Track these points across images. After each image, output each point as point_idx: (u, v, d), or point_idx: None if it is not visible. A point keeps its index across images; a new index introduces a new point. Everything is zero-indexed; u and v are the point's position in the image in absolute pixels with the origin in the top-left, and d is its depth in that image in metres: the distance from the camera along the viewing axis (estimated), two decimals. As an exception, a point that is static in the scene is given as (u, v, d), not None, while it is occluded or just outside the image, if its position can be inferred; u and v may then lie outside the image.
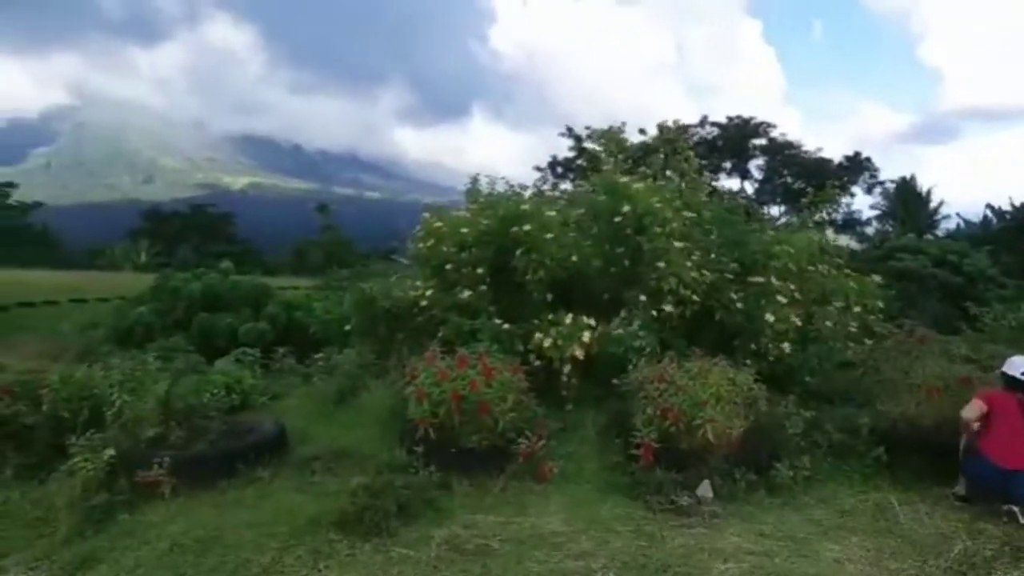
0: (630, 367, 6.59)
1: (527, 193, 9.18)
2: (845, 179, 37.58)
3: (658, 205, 7.41)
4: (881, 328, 9.66)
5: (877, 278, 9.40)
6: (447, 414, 5.31)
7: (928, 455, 5.18)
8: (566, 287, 7.65)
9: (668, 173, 9.61)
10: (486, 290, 7.88)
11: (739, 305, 7.54)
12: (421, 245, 8.51)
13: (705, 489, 4.89)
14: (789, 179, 40.11)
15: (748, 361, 7.33)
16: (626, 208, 7.38)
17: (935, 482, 5.09)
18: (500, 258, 8.06)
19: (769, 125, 40.47)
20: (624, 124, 9.93)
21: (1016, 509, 4.45)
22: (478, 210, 9.00)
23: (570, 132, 39.21)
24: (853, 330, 8.35)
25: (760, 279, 7.77)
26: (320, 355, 10.56)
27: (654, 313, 7.19)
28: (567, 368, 6.76)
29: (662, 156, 10.27)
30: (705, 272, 7.47)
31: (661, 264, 7.26)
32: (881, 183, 41.52)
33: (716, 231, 8.35)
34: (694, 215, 8.06)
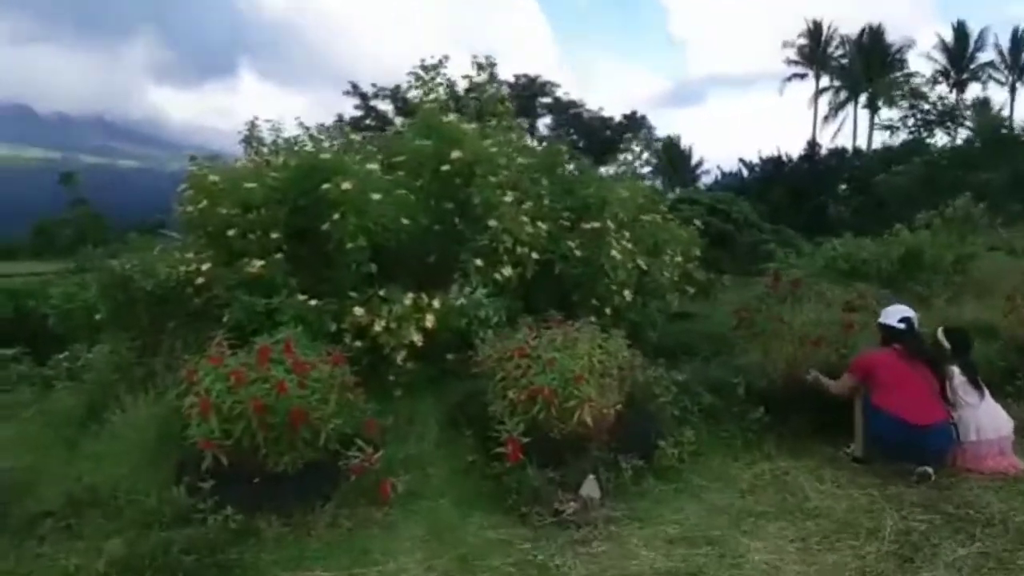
0: (476, 342, 5.53)
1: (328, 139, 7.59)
2: (628, 136, 39.28)
3: (493, 150, 6.31)
4: (701, 276, 9.57)
5: (698, 223, 9.19)
6: (246, 431, 3.86)
7: (809, 413, 4.70)
8: (389, 254, 6.33)
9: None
10: (282, 259, 6.33)
11: (577, 253, 6.75)
12: (191, 207, 6.69)
13: (591, 488, 3.96)
14: (575, 137, 41.09)
15: (593, 318, 6.60)
16: (456, 154, 6.19)
17: (822, 442, 4.61)
18: (297, 220, 6.53)
19: (553, 84, 41.11)
20: (445, 58, 8.61)
21: (930, 470, 4.06)
22: (263, 162, 7.34)
23: (355, 90, 36.84)
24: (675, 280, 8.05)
25: (596, 224, 7.03)
26: (65, 354, 8.29)
27: (496, 278, 6.14)
28: (402, 355, 5.51)
29: (474, 100, 9.20)
30: (540, 224, 6.54)
31: (493, 222, 6.20)
32: (659, 140, 44.14)
33: (545, 178, 7.45)
34: (529, 161, 7.09)
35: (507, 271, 6.18)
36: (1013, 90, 51.52)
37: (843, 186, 46.29)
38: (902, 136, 44.71)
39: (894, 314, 4.50)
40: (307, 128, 7.28)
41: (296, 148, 7.17)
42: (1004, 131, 28.31)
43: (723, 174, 51.49)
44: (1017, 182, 13.83)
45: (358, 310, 5.80)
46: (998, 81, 52.13)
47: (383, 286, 5.99)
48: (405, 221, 6.14)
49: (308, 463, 3.99)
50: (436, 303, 5.62)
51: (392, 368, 5.74)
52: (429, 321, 5.51)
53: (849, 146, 51.16)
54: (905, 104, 46.46)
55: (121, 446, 4.45)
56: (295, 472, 3.94)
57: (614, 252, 6.74)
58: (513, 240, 6.19)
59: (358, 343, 5.88)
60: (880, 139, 49.68)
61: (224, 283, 6.13)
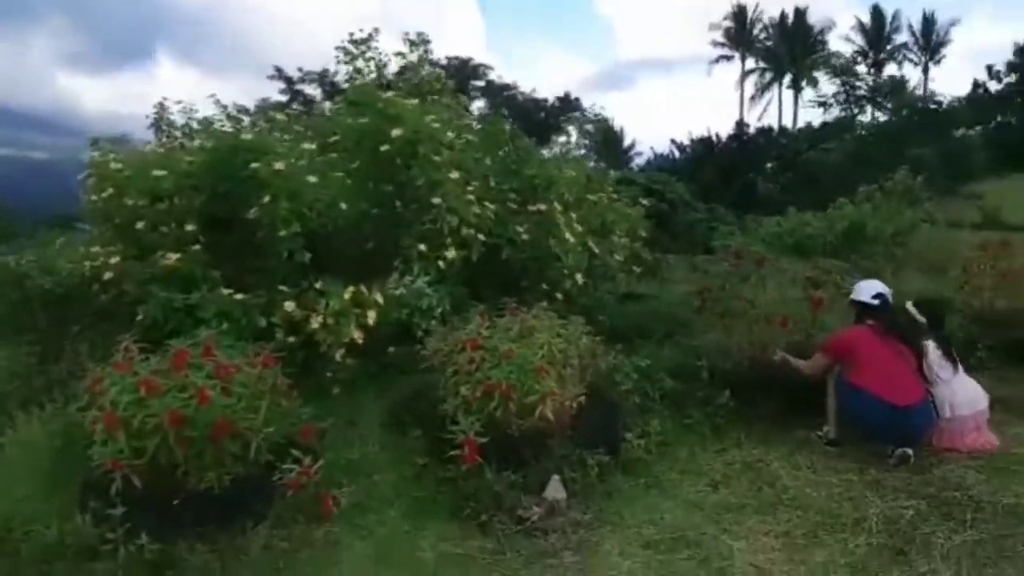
0: (418, 333, 5.11)
1: (249, 119, 6.95)
2: (562, 118, 39.13)
3: (436, 126, 5.85)
4: (646, 256, 9.37)
5: (645, 202, 8.97)
6: (162, 447, 3.35)
7: (777, 395, 4.48)
8: (324, 241, 5.82)
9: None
10: (200, 251, 5.75)
11: (525, 237, 6.38)
12: (95, 197, 6.01)
13: (556, 489, 3.61)
14: (510, 120, 40.68)
15: (544, 304, 6.28)
16: (397, 132, 5.71)
17: (792, 426, 4.39)
18: (217, 207, 5.95)
19: (486, 67, 40.58)
20: (376, 31, 8.04)
21: (910, 451, 3.87)
22: (175, 147, 6.72)
23: (280, 74, 35.48)
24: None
25: (543, 207, 6.67)
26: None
27: (440, 264, 5.71)
28: (340, 353, 5.04)
29: (408, 79, 8.70)
30: (487, 204, 6.14)
31: (437, 200, 5.76)
32: (592, 122, 44.16)
33: (487, 156, 7.05)
34: (471, 138, 6.67)
35: (451, 254, 5.77)
36: (926, 70, 53.69)
37: (771, 164, 47.51)
38: (834, 112, 46.10)
39: (867, 290, 4.30)
40: (224, 107, 6.63)
41: (212, 130, 6.51)
42: (933, 107, 29.28)
43: (655, 156, 52.20)
44: (945, 156, 14.20)
45: (289, 304, 5.31)
46: (912, 61, 54.25)
47: (318, 277, 5.49)
48: (343, 206, 5.64)
49: (236, 479, 3.51)
50: (378, 297, 5.16)
51: (329, 364, 5.28)
52: (371, 317, 5.05)
53: (776, 126, 52.47)
54: (837, 82, 47.91)
55: (16, 469, 3.85)
56: (221, 490, 3.45)
57: (567, 235, 6.41)
58: (458, 220, 5.78)
59: (291, 339, 5.40)
60: (806, 118, 51.19)
61: (136, 278, 5.53)
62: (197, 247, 5.72)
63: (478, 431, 3.66)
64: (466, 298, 6.24)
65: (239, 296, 5.42)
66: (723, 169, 45.24)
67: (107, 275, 5.57)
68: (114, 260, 5.64)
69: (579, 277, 6.60)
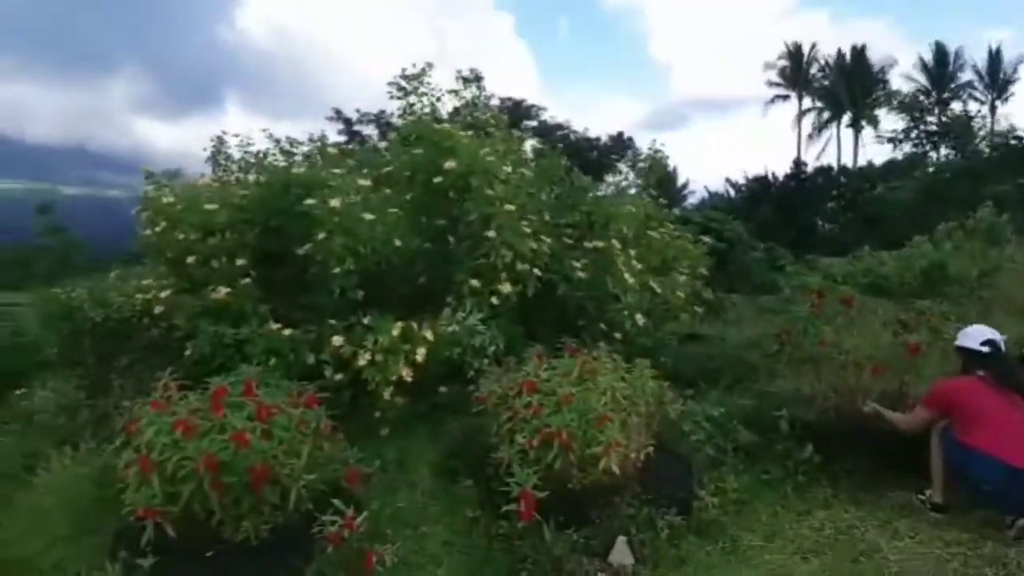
0: (470, 372, 4.84)
1: (302, 153, 6.87)
2: (614, 157, 38.96)
3: (490, 159, 5.66)
4: (708, 295, 8.94)
5: (707, 239, 8.59)
6: (197, 494, 3.12)
7: (866, 450, 4.01)
8: (375, 277, 5.64)
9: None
10: (251, 285, 5.62)
11: (581, 274, 6.07)
12: (148, 231, 5.97)
13: (623, 553, 3.24)
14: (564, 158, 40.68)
15: (602, 343, 5.97)
16: (450, 164, 5.53)
17: (886, 486, 3.92)
18: (269, 242, 5.85)
19: (539, 107, 40.82)
20: (429, 65, 7.95)
21: (1032, 522, 3.37)
22: (228, 181, 6.69)
23: (339, 115, 36.31)
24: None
25: (600, 243, 6.37)
26: (22, 391, 7.46)
27: (493, 300, 5.45)
28: (389, 391, 4.80)
29: (464, 114, 8.59)
30: (544, 238, 5.88)
31: (491, 233, 5.53)
32: (645, 160, 43.80)
33: (544, 191, 6.81)
34: (527, 172, 6.46)
35: (505, 289, 5.50)
36: (993, 108, 51.85)
37: (831, 203, 46.27)
38: (905, 148, 44.78)
39: (975, 336, 3.81)
40: (277, 141, 6.56)
41: (266, 163, 6.45)
42: (1014, 142, 27.57)
43: (709, 195, 51.41)
44: (1027, 192, 13.47)
45: (338, 340, 5.11)
46: (977, 99, 52.50)
47: (367, 312, 5.29)
48: (397, 243, 5.45)
49: (275, 530, 3.26)
50: (428, 333, 4.91)
51: (377, 403, 5.04)
52: (420, 354, 4.80)
53: (835, 164, 51.30)
54: (905, 118, 46.62)
55: (47, 512, 3.68)
56: (258, 542, 3.20)
57: (626, 275, 6.09)
58: (513, 255, 5.51)
59: (339, 376, 5.19)
60: (869, 155, 49.90)
61: (186, 312, 5.42)
62: (248, 281, 5.60)
63: (535, 484, 3.33)
64: (520, 337, 5.96)
65: (288, 332, 5.25)
66: (780, 208, 44.23)
67: (157, 309, 5.49)
68: (165, 294, 5.56)
69: (639, 317, 6.25)
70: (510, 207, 5.60)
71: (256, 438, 3.24)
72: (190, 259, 5.59)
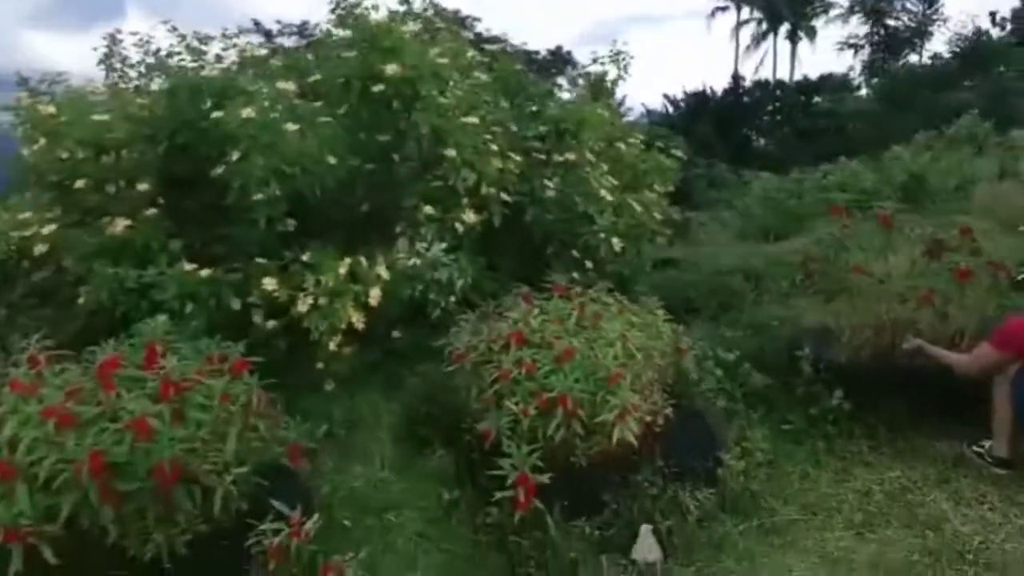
0: (435, 313, 4.08)
1: (212, 52, 5.67)
2: (554, 72, 37.51)
3: (441, 60, 4.71)
4: (675, 214, 8.32)
5: (679, 153, 7.85)
6: (84, 507, 2.30)
7: (906, 395, 3.44)
8: (309, 204, 4.72)
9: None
10: (158, 216, 4.64)
11: (551, 194, 5.28)
12: (25, 150, 4.86)
13: (648, 546, 2.59)
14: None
15: (576, 274, 5.26)
16: (392, 68, 4.56)
17: (929, 433, 3.38)
18: (177, 163, 4.83)
19: (474, 18, 38.62)
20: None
21: None
22: (124, 88, 5.54)
23: (258, 27, 33.43)
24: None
25: (572, 156, 5.57)
26: None
27: (457, 228, 4.63)
28: (336, 341, 4.00)
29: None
30: (513, 156, 5.03)
31: (450, 152, 4.64)
32: (586, 75, 42.42)
33: (504, 97, 5.89)
34: (483, 77, 5.53)
35: (469, 217, 4.67)
36: (923, 26, 51.83)
37: (767, 118, 46.17)
38: (865, 54, 44.21)
39: None
40: (183, 37, 5.37)
41: (167, 65, 5.33)
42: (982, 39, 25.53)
43: (647, 112, 50.49)
44: (996, 99, 13.00)
45: (269, 281, 4.23)
46: (910, 13, 52.29)
47: (303, 247, 4.41)
48: (331, 161, 4.52)
49: (197, 544, 2.47)
50: (382, 270, 4.08)
51: (321, 353, 4.24)
52: (374, 296, 3.99)
53: (772, 78, 50.95)
54: (863, 20, 45.76)
55: None
56: (174, 562, 2.42)
57: (603, 192, 5.33)
58: (476, 176, 4.67)
59: (272, 323, 4.35)
60: (826, 64, 49.51)
61: (78, 251, 4.42)
62: (153, 211, 4.62)
63: (534, 464, 2.63)
64: (482, 270, 5.19)
65: (206, 273, 4.34)
66: (718, 124, 43.83)
67: (40, 248, 4.45)
68: (49, 229, 4.52)
69: (616, 241, 5.53)
70: (471, 119, 4.70)
71: (164, 425, 2.41)
72: (79, 183, 4.54)
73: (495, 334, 3.04)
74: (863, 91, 37.67)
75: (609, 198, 5.45)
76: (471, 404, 3.05)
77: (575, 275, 5.19)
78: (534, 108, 5.83)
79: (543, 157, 5.42)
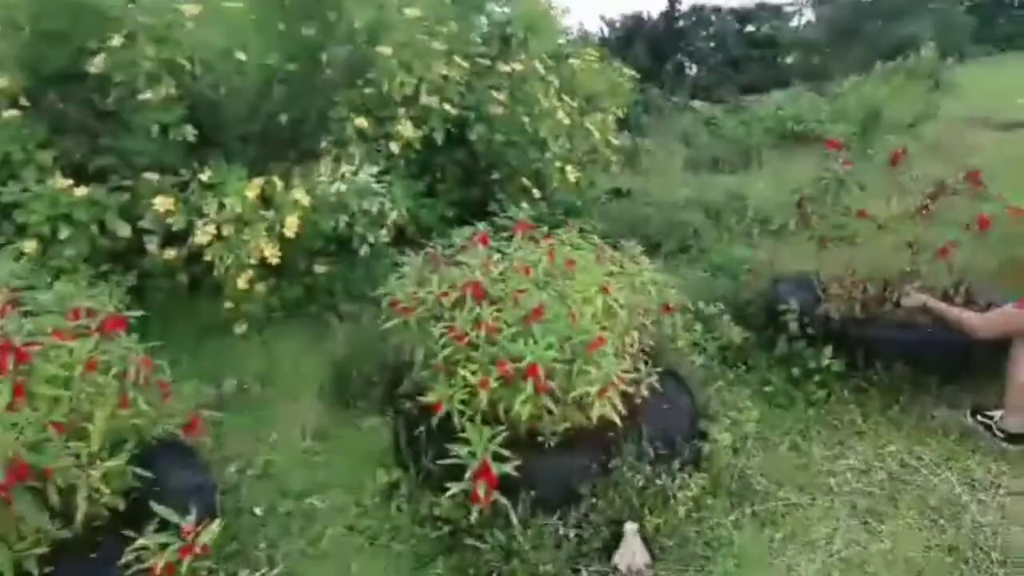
0: (362, 248, 3.48)
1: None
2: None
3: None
4: (624, 140, 7.81)
5: (632, 73, 7.27)
6: None
7: (901, 356, 3.07)
8: (214, 110, 3.93)
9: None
10: (24, 119, 3.77)
11: (498, 110, 4.63)
12: None
13: (634, 550, 2.14)
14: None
15: (524, 204, 4.70)
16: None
17: (924, 398, 3.04)
18: (46, 53, 3.93)
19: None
20: None
21: None
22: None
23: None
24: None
25: (519, 66, 4.89)
26: None
27: (392, 147, 3.95)
28: (246, 277, 3.35)
29: None
30: (458, 61, 4.33)
31: (385, 50, 3.90)
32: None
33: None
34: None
35: (407, 130, 3.99)
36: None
37: (702, 44, 45.68)
38: None
39: None
40: None
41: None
42: None
43: (586, 34, 49.13)
44: (945, 32, 12.73)
45: (161, 200, 3.51)
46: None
47: (205, 163, 3.66)
48: (241, 57, 3.73)
49: (55, 558, 1.87)
50: (300, 194, 3.40)
51: (229, 290, 3.59)
52: (290, 226, 3.32)
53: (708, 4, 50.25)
54: None
55: None
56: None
57: (560, 113, 4.73)
58: (416, 82, 3.97)
59: (169, 253, 3.66)
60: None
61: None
62: (15, 113, 3.75)
63: (496, 452, 2.12)
64: (419, 196, 4.56)
65: (83, 191, 3.55)
66: (653, 49, 43.15)
67: None
68: None
69: (570, 169, 4.97)
70: (412, 11, 3.95)
71: (-2, 408, 1.77)
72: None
73: (446, 284, 2.45)
74: (802, 19, 37.42)
75: (566, 121, 4.84)
76: (415, 369, 2.49)
77: (524, 205, 4.65)
78: (475, 3, 5.08)
79: (487, 64, 4.72)
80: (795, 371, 3.17)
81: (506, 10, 5.25)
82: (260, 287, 3.71)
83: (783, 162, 6.98)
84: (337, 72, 4.18)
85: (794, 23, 23.68)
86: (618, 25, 53.08)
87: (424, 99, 4.04)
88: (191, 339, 3.77)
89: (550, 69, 5.32)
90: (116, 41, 3.51)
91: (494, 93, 4.57)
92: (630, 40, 50.88)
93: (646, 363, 2.57)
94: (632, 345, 2.49)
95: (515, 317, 2.31)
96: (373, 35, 3.94)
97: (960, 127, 7.58)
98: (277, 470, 2.65)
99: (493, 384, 2.21)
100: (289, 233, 3.44)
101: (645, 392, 2.45)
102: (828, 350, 3.09)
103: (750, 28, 49.53)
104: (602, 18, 53.69)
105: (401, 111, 4.04)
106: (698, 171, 7.58)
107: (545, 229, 2.83)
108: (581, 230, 2.92)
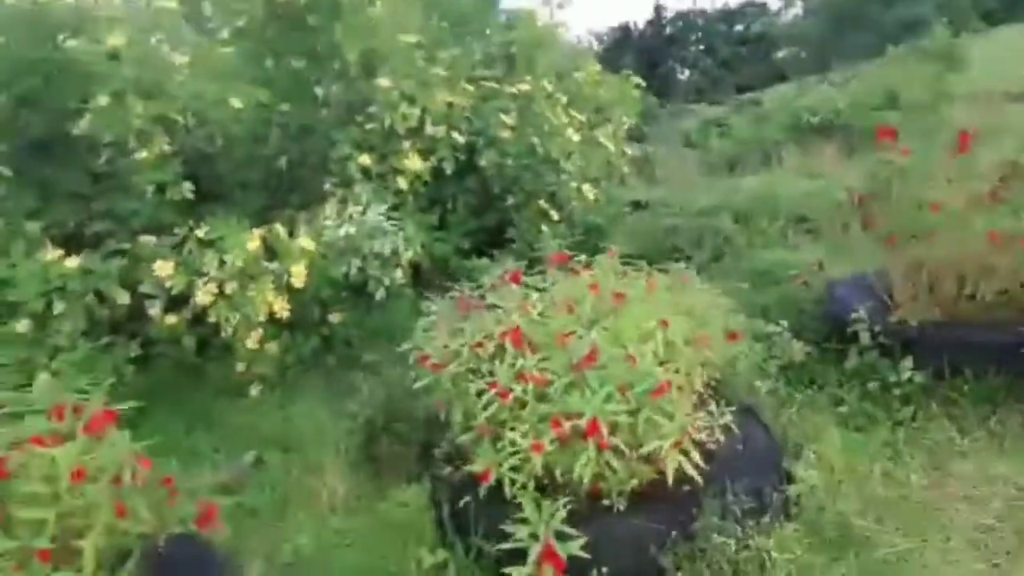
0: (378, 292, 3.20)
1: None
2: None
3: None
4: (634, 151, 7.53)
5: (638, 81, 6.99)
6: None
7: (1002, 361, 2.72)
8: (208, 160, 3.70)
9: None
10: (9, 188, 3.56)
11: (506, 134, 4.36)
12: None
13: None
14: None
15: (544, 227, 4.45)
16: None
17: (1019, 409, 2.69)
18: (27, 118, 3.73)
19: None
20: None
21: None
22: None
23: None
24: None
25: (526, 86, 4.64)
26: None
27: (399, 183, 3.69)
28: (256, 336, 3.08)
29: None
30: (465, 86, 4.07)
31: (383, 81, 3.64)
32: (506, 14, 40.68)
33: (437, 15, 4.87)
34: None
35: (415, 164, 3.72)
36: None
37: (692, 49, 45.68)
38: None
39: None
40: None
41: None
42: None
43: (571, 49, 49.18)
44: (949, 10, 12.51)
45: (162, 265, 3.25)
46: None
47: (203, 217, 3.41)
48: (236, 104, 3.48)
49: None
50: (305, 241, 3.13)
51: (239, 351, 3.33)
52: (297, 275, 3.05)
53: (695, 8, 50.34)
54: None
55: None
56: None
57: (569, 130, 4.46)
58: (420, 112, 3.70)
59: (172, 318, 3.41)
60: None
61: None
62: (-1, 177, 3.55)
63: (558, 529, 1.80)
64: (432, 230, 4.29)
65: (75, 261, 3.31)
66: (642, 57, 43.10)
67: None
68: None
69: (588, 187, 4.69)
70: (407, 38, 3.70)
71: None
72: None
73: (481, 333, 2.15)
74: (789, 13, 37.31)
75: (576, 138, 4.57)
76: (454, 431, 2.18)
77: (544, 228, 4.38)
78: (474, 26, 4.85)
79: (495, 87, 4.46)
80: (871, 386, 2.84)
81: (509, 31, 5.03)
82: (272, 346, 3.45)
83: (805, 156, 6.66)
84: (335, 109, 3.94)
85: (783, 18, 23.55)
86: (606, 37, 52.87)
87: (430, 129, 3.79)
88: (203, 407, 3.50)
89: (556, 86, 5.09)
90: (103, 100, 3.29)
91: (502, 116, 4.30)
92: (619, 51, 50.82)
93: (716, 402, 2.24)
94: (700, 384, 2.18)
95: (564, 365, 2.01)
96: (368, 67, 3.68)
97: (978, 103, 7.25)
98: (305, 557, 2.34)
99: (548, 447, 1.89)
100: (298, 283, 3.17)
101: (720, 436, 2.12)
102: (908, 361, 2.75)
103: (739, 28, 49.84)
104: (590, 32, 53.36)
105: (406, 144, 3.79)
106: (715, 175, 7.31)
107: (583, 258, 2.52)
108: (623, 256, 2.62)
